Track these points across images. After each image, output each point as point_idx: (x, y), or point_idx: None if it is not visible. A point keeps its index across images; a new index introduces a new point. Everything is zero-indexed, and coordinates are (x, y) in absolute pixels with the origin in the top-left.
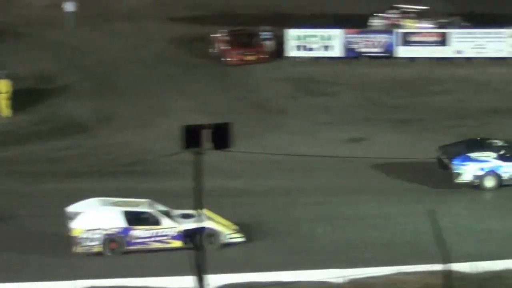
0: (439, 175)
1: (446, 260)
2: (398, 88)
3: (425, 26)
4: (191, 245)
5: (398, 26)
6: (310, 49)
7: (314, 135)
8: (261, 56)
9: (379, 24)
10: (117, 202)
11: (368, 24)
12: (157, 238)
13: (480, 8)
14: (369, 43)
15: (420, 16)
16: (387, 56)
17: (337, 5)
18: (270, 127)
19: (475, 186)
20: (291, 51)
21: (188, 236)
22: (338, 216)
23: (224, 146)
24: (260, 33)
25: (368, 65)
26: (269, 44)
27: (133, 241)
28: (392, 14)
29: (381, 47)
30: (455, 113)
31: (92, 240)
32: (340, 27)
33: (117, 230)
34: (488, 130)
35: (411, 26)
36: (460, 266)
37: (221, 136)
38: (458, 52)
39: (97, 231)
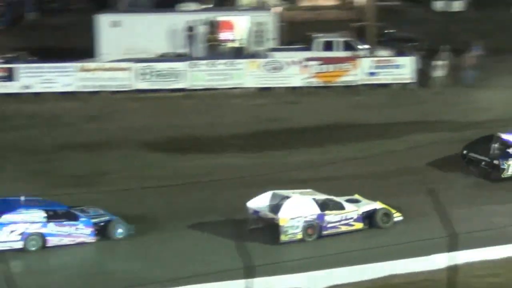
0: None
1: None
2: None
3: None
4: (369, 226)
5: None
6: None
7: None
8: None
9: None
10: (293, 192)
11: None
12: (344, 222)
13: (49, 42)
14: None
15: None
16: None
17: None
18: None
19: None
20: None
21: (367, 217)
22: None
23: None
24: None
25: None
26: None
27: (327, 225)
28: None
29: None
30: (26, 150)
31: (295, 227)
32: None
33: (314, 216)
34: (60, 165)
35: None
36: None
37: None
38: (26, 87)
39: (299, 219)
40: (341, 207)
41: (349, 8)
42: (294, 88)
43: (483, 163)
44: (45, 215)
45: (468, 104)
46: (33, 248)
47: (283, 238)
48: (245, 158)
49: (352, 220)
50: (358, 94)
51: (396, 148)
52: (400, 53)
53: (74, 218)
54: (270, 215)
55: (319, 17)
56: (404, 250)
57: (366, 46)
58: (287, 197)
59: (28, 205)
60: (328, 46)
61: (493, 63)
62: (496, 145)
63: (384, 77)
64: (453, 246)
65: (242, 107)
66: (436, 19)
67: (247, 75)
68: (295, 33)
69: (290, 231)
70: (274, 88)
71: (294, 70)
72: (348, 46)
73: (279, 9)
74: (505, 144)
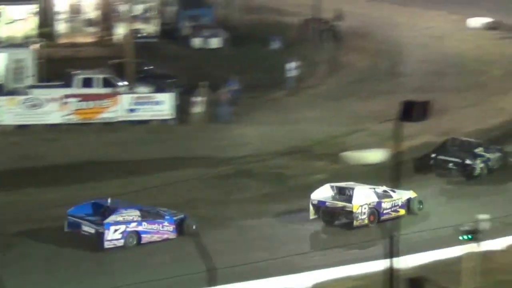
0: None
1: None
2: None
3: None
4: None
5: None
6: None
7: None
8: None
9: None
10: (347, 184)
11: None
12: (394, 208)
13: None
14: None
15: None
16: None
17: None
18: None
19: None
20: None
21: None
22: None
23: None
24: None
25: None
26: None
27: (383, 212)
28: None
29: None
30: None
31: (363, 214)
32: None
33: (374, 204)
34: None
35: None
36: None
37: None
38: None
39: (365, 206)
40: (390, 196)
41: (107, 45)
42: (53, 125)
43: (451, 164)
44: (140, 214)
45: (225, 140)
46: (131, 245)
47: (355, 223)
48: (1, 196)
49: (398, 207)
50: (118, 130)
51: (154, 184)
52: (159, 90)
53: (160, 216)
54: (340, 203)
55: (78, 54)
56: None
57: (126, 83)
58: (349, 188)
59: (126, 206)
60: (87, 83)
61: (250, 99)
62: (456, 148)
63: (144, 113)
64: (212, 281)
65: (0, 145)
66: (194, 56)
67: (6, 112)
68: (55, 70)
69: (360, 217)
70: (33, 125)
71: (54, 107)
72: (107, 83)
73: (38, 46)
74: (468, 145)
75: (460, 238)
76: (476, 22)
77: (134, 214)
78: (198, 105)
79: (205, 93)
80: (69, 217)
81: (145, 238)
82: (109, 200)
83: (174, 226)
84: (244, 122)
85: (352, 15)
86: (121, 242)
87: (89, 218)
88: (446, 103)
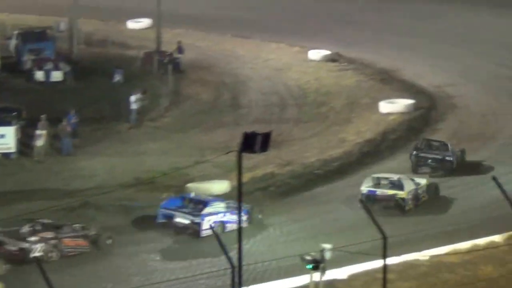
0: None
1: None
2: None
3: None
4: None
5: None
6: None
7: None
8: None
9: None
10: (384, 175)
11: None
12: (423, 194)
13: None
14: None
15: None
16: None
17: None
18: None
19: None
20: None
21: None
22: None
23: None
24: None
25: None
26: None
27: (420, 197)
28: None
29: None
30: None
31: (410, 200)
32: None
33: (413, 191)
34: None
35: None
36: None
37: None
38: None
39: (410, 193)
40: (418, 183)
41: None
42: None
43: (430, 160)
44: (225, 206)
45: (70, 172)
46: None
47: (407, 208)
48: None
49: (424, 192)
50: None
51: (1, 217)
52: (1, 123)
53: (236, 208)
54: (391, 191)
55: None
56: None
57: None
58: (391, 178)
59: (212, 198)
60: None
61: (93, 131)
62: (427, 148)
63: None
64: None
65: None
66: (36, 89)
67: None
68: None
69: (409, 203)
70: None
71: None
72: None
73: None
74: (439, 144)
75: (307, 267)
76: (316, 54)
77: (221, 205)
78: (40, 138)
79: (46, 126)
80: (162, 210)
81: (228, 227)
82: (192, 194)
83: (247, 216)
84: (88, 155)
85: (194, 48)
86: (210, 231)
87: (183, 210)
88: (287, 134)
